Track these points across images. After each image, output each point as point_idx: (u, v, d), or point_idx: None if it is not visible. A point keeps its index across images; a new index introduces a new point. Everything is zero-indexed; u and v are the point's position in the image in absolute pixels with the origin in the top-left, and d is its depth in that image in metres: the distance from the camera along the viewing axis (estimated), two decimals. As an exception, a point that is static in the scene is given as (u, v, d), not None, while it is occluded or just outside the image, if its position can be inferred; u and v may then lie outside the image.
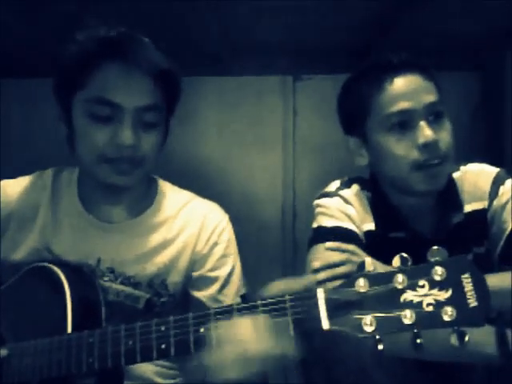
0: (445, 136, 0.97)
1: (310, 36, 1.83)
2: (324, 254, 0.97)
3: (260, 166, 2.19)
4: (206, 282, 1.00)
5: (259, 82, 2.17)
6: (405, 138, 0.96)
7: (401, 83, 0.97)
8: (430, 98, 0.96)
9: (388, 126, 0.97)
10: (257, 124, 2.18)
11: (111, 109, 0.86)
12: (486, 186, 1.03)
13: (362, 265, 0.62)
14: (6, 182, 1.01)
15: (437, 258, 0.59)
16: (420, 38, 1.79)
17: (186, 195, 1.05)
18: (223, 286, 1.00)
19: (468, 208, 1.05)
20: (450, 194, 1.04)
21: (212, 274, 1.00)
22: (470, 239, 1.04)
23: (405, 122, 0.96)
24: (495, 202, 1.02)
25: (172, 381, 1.04)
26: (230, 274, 1.01)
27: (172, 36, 1.74)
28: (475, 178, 1.05)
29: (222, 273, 1.00)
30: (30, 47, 1.76)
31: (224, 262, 1.00)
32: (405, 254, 0.61)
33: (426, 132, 0.94)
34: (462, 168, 1.08)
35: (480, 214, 1.04)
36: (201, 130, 2.17)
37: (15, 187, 1.00)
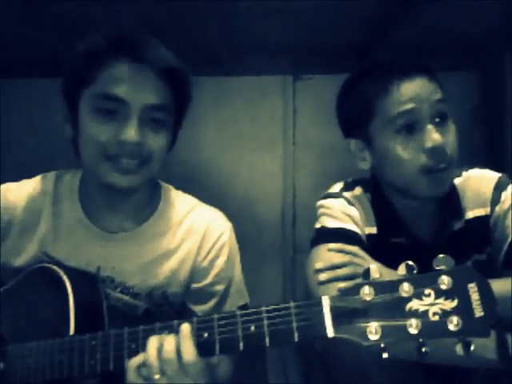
0: (450, 139, 0.96)
1: (310, 36, 1.82)
2: (326, 254, 0.96)
3: (260, 167, 2.18)
4: (204, 296, 0.98)
5: (259, 81, 2.16)
6: (412, 142, 0.94)
7: (407, 85, 0.95)
8: (435, 96, 0.95)
9: (394, 129, 0.95)
10: (257, 124, 2.18)
11: (117, 104, 0.85)
12: (488, 192, 1.02)
13: (367, 272, 0.61)
14: (7, 187, 0.99)
15: (443, 267, 0.58)
16: (420, 38, 1.79)
17: (189, 202, 1.03)
18: (221, 301, 0.99)
19: (470, 215, 1.04)
20: (451, 200, 1.04)
21: (211, 289, 0.98)
22: (471, 246, 1.03)
23: (411, 125, 0.94)
24: (497, 208, 1.01)
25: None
26: (228, 289, 0.99)
27: (172, 36, 1.74)
28: (477, 183, 1.04)
29: (221, 287, 0.98)
30: (29, 47, 1.76)
31: (223, 276, 0.99)
32: (411, 262, 0.60)
33: (433, 136, 0.92)
34: (463, 174, 1.07)
35: (482, 221, 1.03)
36: (200, 130, 2.16)
37: (16, 192, 0.98)
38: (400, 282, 0.59)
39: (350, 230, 1.01)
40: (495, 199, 1.02)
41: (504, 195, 1.01)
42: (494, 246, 1.02)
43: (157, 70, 0.86)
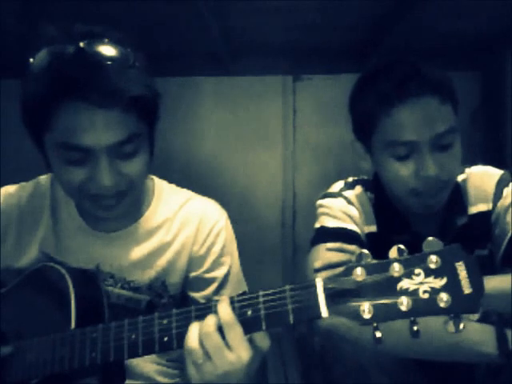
0: (450, 165, 0.94)
1: (310, 36, 1.83)
2: (325, 254, 0.97)
3: (260, 166, 2.19)
4: (203, 283, 0.99)
5: (259, 82, 2.17)
6: (407, 164, 0.93)
7: (411, 111, 0.90)
8: (440, 127, 0.91)
9: (391, 152, 0.94)
10: (257, 124, 2.18)
11: (82, 153, 0.79)
12: (490, 188, 1.03)
13: (360, 256, 0.63)
14: (6, 190, 1.00)
15: (432, 249, 0.59)
16: (420, 38, 1.79)
17: (182, 195, 1.03)
18: (220, 287, 0.99)
19: (473, 210, 1.04)
20: (455, 197, 1.04)
21: (209, 275, 0.99)
22: (473, 241, 1.03)
23: (409, 152, 0.93)
24: (499, 204, 1.01)
25: (173, 380, 1.04)
26: (227, 275, 1.00)
27: (172, 36, 1.75)
28: (479, 180, 1.05)
29: (219, 274, 0.99)
30: (29, 47, 1.77)
31: (221, 262, 0.99)
32: (402, 246, 0.61)
33: (429, 166, 0.90)
34: (466, 170, 1.07)
35: (484, 216, 1.03)
36: (201, 130, 2.17)
37: (15, 195, 0.99)
38: (390, 262, 0.60)
39: (349, 230, 1.01)
40: (497, 195, 1.02)
41: (506, 191, 1.01)
42: (494, 242, 1.03)
43: (115, 104, 0.78)
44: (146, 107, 0.84)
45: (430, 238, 0.60)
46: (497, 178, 1.03)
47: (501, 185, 1.02)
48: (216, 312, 0.68)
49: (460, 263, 0.58)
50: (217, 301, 0.69)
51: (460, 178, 1.06)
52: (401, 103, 0.91)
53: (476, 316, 0.58)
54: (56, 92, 0.77)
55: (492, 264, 1.02)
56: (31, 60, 0.80)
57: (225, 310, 0.67)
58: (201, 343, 0.67)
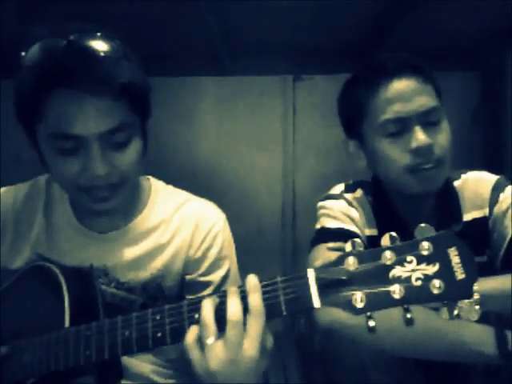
0: (441, 140, 0.96)
1: (309, 36, 1.83)
2: (326, 253, 0.97)
3: (260, 166, 2.19)
4: (200, 286, 0.98)
5: (259, 82, 2.17)
6: (399, 142, 0.95)
7: (394, 87, 0.95)
8: (426, 103, 0.95)
9: (383, 132, 0.96)
10: (257, 124, 2.18)
11: (74, 141, 0.80)
12: (486, 193, 1.03)
13: (352, 244, 0.63)
14: (3, 191, 1.00)
15: (424, 236, 0.59)
16: (420, 38, 1.79)
17: (179, 196, 1.02)
18: (217, 290, 0.99)
19: (468, 217, 1.04)
20: (451, 203, 1.04)
21: (205, 279, 0.98)
22: (471, 248, 1.03)
23: (399, 128, 0.96)
24: (496, 209, 1.01)
25: (170, 380, 1.04)
26: (224, 278, 0.99)
27: (172, 36, 1.75)
28: (475, 185, 1.05)
29: (216, 277, 0.98)
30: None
31: (218, 265, 0.98)
32: (393, 233, 0.61)
33: (419, 136, 0.93)
34: (462, 176, 1.07)
35: (481, 222, 1.03)
36: (201, 130, 2.17)
37: (11, 196, 0.99)
38: (382, 250, 0.60)
39: (349, 230, 1.02)
40: (493, 200, 1.02)
41: (502, 196, 1.01)
42: (493, 248, 1.03)
43: (105, 92, 0.79)
44: (137, 96, 0.84)
45: (422, 225, 0.60)
46: (492, 183, 1.04)
47: (497, 190, 1.03)
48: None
49: (452, 249, 0.58)
50: (209, 295, 0.68)
51: (455, 183, 1.06)
52: (385, 82, 0.96)
53: (476, 317, 0.58)
54: (47, 81, 0.77)
55: (491, 270, 1.01)
56: (23, 54, 0.81)
57: (257, 298, 0.64)
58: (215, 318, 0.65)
